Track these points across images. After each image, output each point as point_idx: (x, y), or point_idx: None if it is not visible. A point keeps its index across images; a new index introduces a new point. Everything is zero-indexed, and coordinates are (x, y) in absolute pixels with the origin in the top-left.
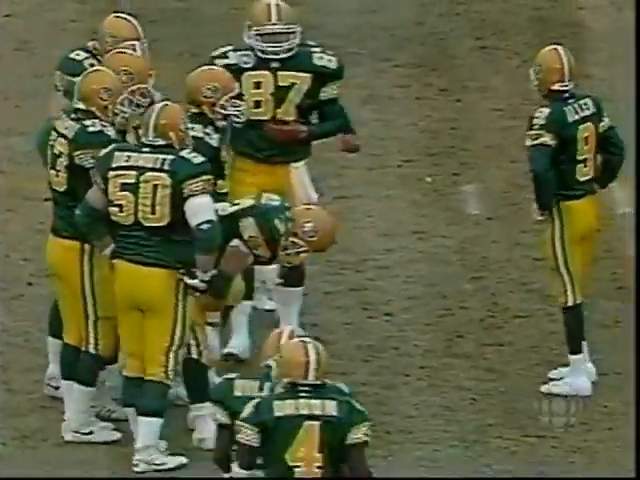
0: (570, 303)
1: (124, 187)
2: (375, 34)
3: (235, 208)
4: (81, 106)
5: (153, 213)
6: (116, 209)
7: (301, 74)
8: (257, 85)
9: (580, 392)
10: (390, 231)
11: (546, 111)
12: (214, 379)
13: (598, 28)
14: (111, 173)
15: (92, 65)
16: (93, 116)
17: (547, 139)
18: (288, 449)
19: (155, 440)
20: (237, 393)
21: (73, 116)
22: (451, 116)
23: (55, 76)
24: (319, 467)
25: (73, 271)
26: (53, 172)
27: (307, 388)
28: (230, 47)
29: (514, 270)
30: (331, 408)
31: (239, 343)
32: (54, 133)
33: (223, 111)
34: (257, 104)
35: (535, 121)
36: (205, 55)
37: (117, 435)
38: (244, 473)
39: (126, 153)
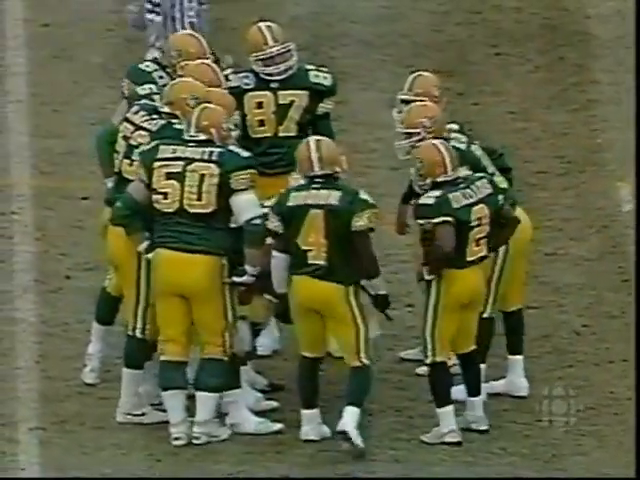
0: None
1: (169, 176)
2: (397, 41)
3: (266, 210)
4: (166, 109)
5: (199, 200)
6: (160, 197)
7: (299, 92)
8: (259, 105)
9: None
10: (411, 227)
11: None
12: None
13: (604, 36)
14: (156, 164)
15: (161, 77)
16: (176, 118)
17: None
18: (300, 235)
19: (213, 414)
20: (455, 205)
21: (155, 115)
22: (468, 119)
23: (123, 84)
24: (325, 252)
25: (130, 258)
26: (127, 161)
27: (320, 180)
28: (230, 70)
29: (527, 264)
30: (335, 198)
31: (267, 342)
32: (130, 126)
33: None
34: (260, 123)
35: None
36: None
37: (167, 416)
38: (281, 256)
39: (171, 147)
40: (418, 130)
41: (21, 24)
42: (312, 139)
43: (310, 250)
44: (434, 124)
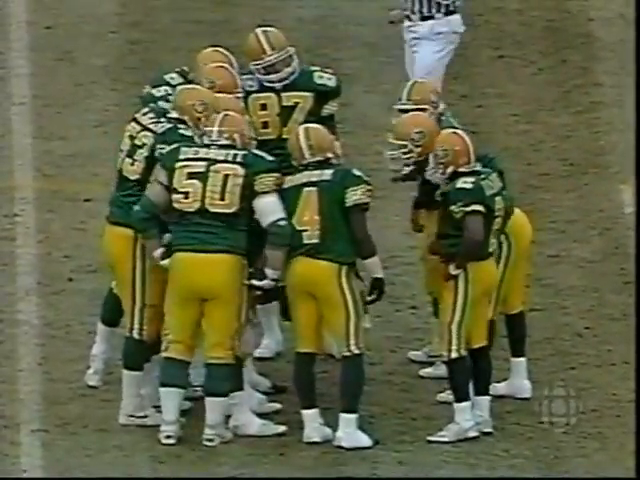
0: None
1: (192, 176)
2: (402, 44)
3: None
4: (175, 115)
5: (222, 200)
6: (181, 196)
7: (303, 93)
8: (263, 107)
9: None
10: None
11: None
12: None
13: (607, 38)
14: (178, 164)
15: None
16: (185, 123)
17: None
18: (295, 215)
19: (224, 417)
20: (487, 193)
21: (163, 119)
22: (471, 121)
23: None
24: (319, 229)
25: (125, 258)
26: (129, 160)
27: (313, 164)
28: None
29: (530, 266)
30: (327, 175)
31: (270, 344)
32: (137, 126)
33: None
34: (264, 125)
35: None
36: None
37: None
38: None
39: (194, 148)
40: (405, 142)
41: (24, 26)
42: (301, 128)
43: (305, 230)
44: (422, 137)
